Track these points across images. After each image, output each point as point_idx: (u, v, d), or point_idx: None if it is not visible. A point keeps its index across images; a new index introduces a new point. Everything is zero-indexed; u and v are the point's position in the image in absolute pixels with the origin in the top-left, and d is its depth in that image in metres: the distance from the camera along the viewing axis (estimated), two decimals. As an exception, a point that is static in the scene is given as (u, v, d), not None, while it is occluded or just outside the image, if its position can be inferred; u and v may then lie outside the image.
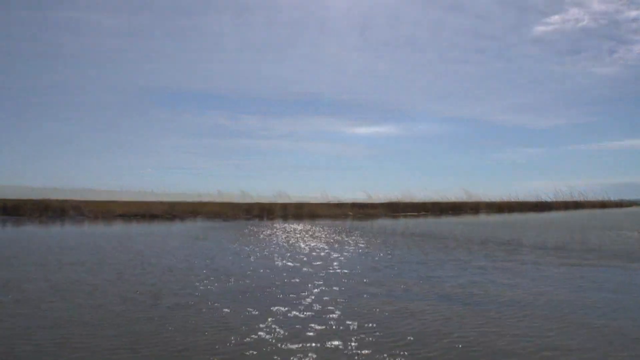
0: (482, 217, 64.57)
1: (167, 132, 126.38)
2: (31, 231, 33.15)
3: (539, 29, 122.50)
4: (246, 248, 23.43)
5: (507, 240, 27.09)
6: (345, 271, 16.28)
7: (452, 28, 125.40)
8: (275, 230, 36.33)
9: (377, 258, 19.71)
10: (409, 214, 68.55)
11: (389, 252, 21.79)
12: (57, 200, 47.70)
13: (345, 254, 21.21)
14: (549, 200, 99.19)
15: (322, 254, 21.12)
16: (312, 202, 62.47)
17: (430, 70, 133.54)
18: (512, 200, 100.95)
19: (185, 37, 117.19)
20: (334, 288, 13.33)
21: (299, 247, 23.94)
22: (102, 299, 11.89)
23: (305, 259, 19.42)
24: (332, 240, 27.48)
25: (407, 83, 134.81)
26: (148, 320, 9.76)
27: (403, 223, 47.22)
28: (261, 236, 30.73)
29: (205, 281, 14.28)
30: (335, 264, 18.00)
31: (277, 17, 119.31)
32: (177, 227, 38.95)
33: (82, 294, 12.38)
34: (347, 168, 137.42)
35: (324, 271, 16.30)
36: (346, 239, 28.13)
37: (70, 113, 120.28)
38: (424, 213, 72.78)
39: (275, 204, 56.22)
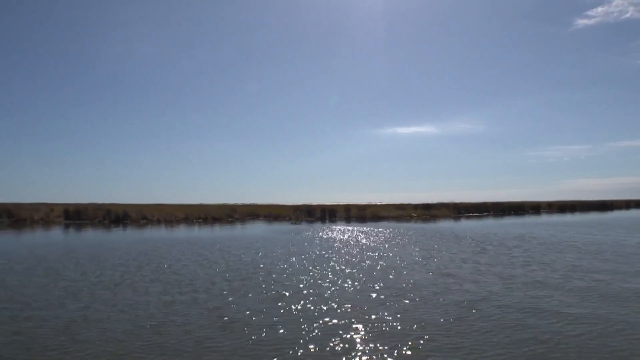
0: (547, 217, 59.90)
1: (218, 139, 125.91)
2: (119, 237, 31.32)
3: (581, 21, 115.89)
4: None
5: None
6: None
7: (489, 25, 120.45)
8: (366, 231, 33.42)
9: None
10: (472, 215, 64.59)
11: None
12: (119, 205, 46.19)
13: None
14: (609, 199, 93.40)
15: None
16: (372, 203, 59.41)
17: (468, 69, 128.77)
18: (574, 200, 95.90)
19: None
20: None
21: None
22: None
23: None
24: (478, 249, 24.32)
25: (446, 82, 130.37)
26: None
27: (488, 225, 43.54)
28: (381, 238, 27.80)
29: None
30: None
31: (310, 28, 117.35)
32: (255, 230, 36.57)
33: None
34: (388, 167, 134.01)
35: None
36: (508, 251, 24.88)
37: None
38: (485, 214, 68.76)
39: (338, 206, 53.36)
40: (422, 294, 11.41)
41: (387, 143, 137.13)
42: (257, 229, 38.59)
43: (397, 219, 52.66)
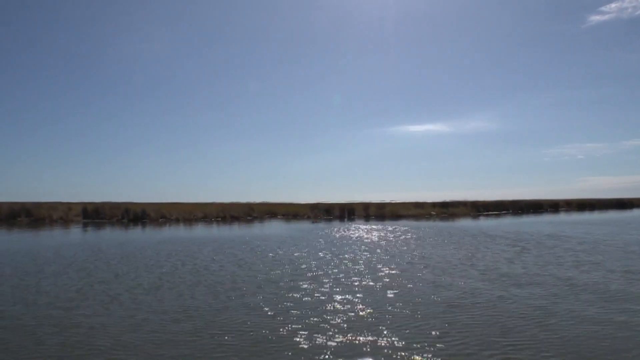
0: (567, 216, 58.60)
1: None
2: (141, 236, 30.79)
3: (595, 18, 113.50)
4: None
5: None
6: None
7: (502, 23, 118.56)
8: (392, 230, 32.62)
9: None
10: (490, 213, 63.44)
11: None
12: (137, 204, 45.71)
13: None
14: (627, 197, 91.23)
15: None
16: (390, 202, 58.45)
17: (480, 66, 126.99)
18: (592, 198, 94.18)
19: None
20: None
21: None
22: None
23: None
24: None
25: (458, 80, 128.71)
26: None
27: (511, 224, 42.57)
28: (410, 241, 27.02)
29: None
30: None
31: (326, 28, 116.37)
32: (276, 228, 35.87)
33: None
34: (401, 165, 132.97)
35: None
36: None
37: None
38: (504, 212, 67.58)
39: (357, 204, 52.48)
40: (489, 298, 10.60)
41: (399, 141, 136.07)
42: (278, 227, 37.91)
43: (416, 217, 51.74)
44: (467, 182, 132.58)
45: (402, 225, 38.42)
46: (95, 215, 43.78)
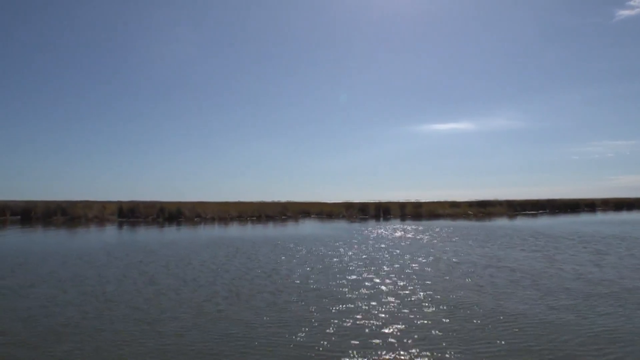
0: (606, 215, 56.12)
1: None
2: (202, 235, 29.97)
3: (623, 12, 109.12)
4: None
5: None
6: None
7: (527, 19, 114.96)
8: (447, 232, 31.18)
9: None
10: (528, 212, 61.28)
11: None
12: (172, 203, 45.08)
13: None
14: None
15: None
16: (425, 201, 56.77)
17: (505, 64, 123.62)
18: (630, 197, 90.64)
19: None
20: None
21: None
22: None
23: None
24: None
25: (483, 77, 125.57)
26: None
27: (556, 223, 40.71)
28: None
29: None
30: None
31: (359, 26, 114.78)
32: (316, 228, 34.72)
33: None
34: (427, 164, 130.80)
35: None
36: None
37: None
38: (541, 211, 65.33)
39: (393, 203, 50.99)
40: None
41: (423, 140, 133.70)
42: (318, 227, 36.72)
43: (453, 216, 50.08)
44: (494, 180, 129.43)
45: (444, 226, 36.89)
46: (131, 214, 43.25)
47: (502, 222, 40.76)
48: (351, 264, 16.10)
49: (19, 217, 45.21)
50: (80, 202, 49.59)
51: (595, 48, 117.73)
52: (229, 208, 46.31)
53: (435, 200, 65.64)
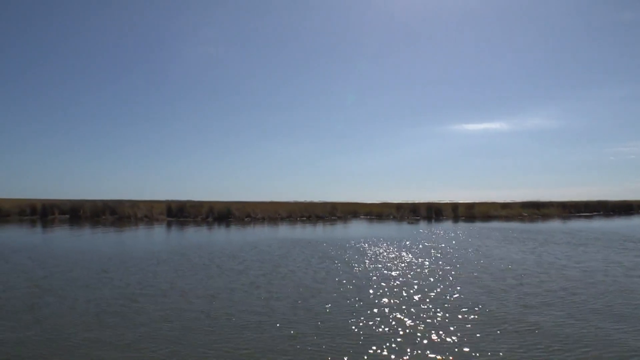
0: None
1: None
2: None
3: None
4: None
5: None
6: None
7: (563, 13, 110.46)
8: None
9: None
10: (581, 214, 58.16)
11: None
12: (221, 202, 44.10)
13: None
14: None
15: None
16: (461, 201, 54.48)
17: (539, 61, 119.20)
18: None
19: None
20: None
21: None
22: None
23: None
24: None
25: (517, 76, 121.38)
26: None
27: (622, 226, 37.97)
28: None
29: None
30: None
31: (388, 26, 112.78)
32: (374, 229, 33.05)
33: None
34: (458, 164, 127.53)
35: None
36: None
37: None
38: (595, 213, 62.00)
39: (445, 204, 48.93)
40: None
41: (456, 140, 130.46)
42: (373, 228, 35.00)
43: (507, 218, 47.63)
44: (528, 180, 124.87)
45: (507, 228, 34.65)
46: (179, 213, 42.45)
47: (569, 225, 38.21)
48: (462, 268, 14.37)
49: (67, 216, 45.00)
50: (127, 201, 49.17)
51: (634, 43, 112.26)
52: (277, 208, 45.03)
53: (472, 200, 63.10)
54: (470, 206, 48.51)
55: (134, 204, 45.39)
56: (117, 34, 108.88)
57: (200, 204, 45.03)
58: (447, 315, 8.77)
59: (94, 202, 46.10)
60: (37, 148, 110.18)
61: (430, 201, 53.28)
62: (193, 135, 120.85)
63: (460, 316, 8.68)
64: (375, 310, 9.17)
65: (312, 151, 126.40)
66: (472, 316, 8.68)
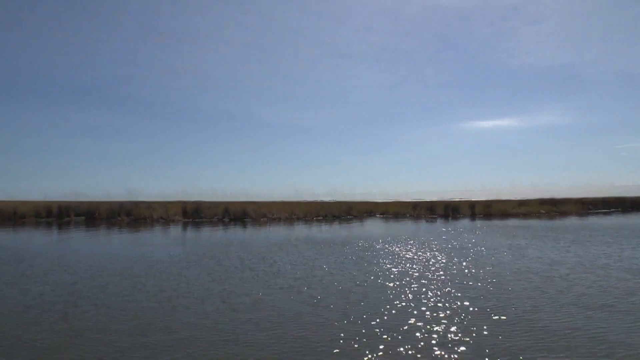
0: None
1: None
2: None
3: None
4: None
5: None
6: None
7: (574, 6, 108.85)
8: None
9: None
10: (600, 211, 57.18)
11: None
12: (236, 203, 43.77)
13: None
14: None
15: None
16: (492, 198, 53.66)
17: (550, 57, 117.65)
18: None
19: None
20: None
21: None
22: None
23: None
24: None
25: (526, 72, 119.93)
26: None
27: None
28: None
29: None
30: None
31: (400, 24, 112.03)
32: (399, 228, 32.50)
33: None
34: (470, 161, 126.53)
35: None
36: None
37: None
38: (613, 210, 60.97)
39: (463, 202, 48.26)
40: None
41: (467, 137, 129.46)
42: (393, 228, 34.41)
43: (526, 215, 46.88)
44: (540, 177, 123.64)
45: (528, 225, 33.94)
46: (195, 214, 42.14)
47: (590, 221, 37.40)
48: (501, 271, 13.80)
49: (83, 217, 44.87)
50: (142, 202, 48.98)
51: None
52: (293, 207, 44.61)
53: (485, 198, 62.23)
54: (487, 204, 47.77)
55: (150, 205, 45.15)
56: (137, 31, 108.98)
57: (216, 204, 44.71)
58: (514, 323, 8.24)
59: (109, 204, 45.97)
60: (52, 150, 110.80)
61: (445, 199, 52.69)
62: (205, 135, 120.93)
63: (526, 324, 8.14)
64: (434, 314, 8.66)
65: (322, 152, 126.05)
66: (540, 324, 8.14)
